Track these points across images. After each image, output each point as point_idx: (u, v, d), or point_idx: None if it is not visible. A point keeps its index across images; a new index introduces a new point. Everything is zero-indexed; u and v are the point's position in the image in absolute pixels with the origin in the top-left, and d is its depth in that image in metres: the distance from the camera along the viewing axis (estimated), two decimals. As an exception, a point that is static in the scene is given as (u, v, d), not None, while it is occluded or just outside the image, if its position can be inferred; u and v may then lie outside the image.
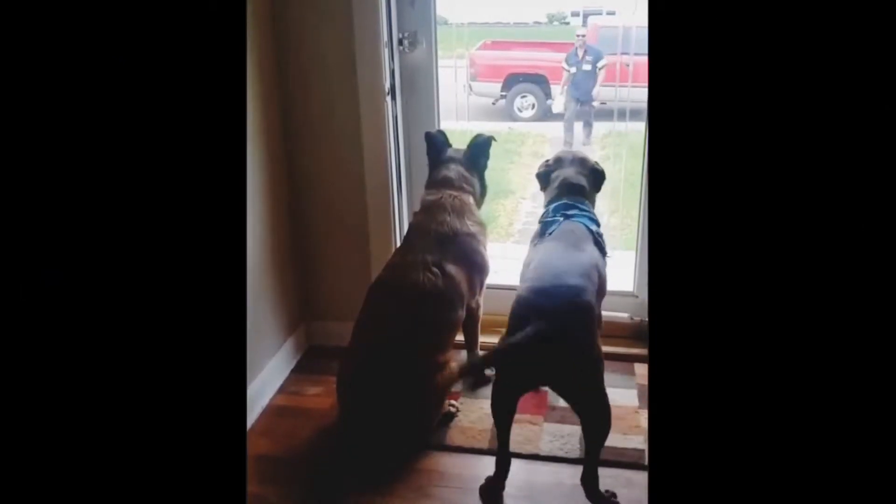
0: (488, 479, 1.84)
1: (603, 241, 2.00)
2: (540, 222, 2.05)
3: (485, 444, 1.99)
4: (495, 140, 2.28)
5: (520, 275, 1.88)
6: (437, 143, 2.22)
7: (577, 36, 5.60)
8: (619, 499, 1.78)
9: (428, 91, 2.36)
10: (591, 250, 1.90)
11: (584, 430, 1.74)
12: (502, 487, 1.81)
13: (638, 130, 3.67)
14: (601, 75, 5.39)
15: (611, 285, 2.60)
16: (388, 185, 2.36)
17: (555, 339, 1.59)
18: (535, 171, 2.22)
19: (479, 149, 2.22)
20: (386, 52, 2.20)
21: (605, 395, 1.69)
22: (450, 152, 2.22)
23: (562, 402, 2.13)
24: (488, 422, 2.07)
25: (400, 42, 2.26)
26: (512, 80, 6.15)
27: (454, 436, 2.03)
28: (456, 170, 2.16)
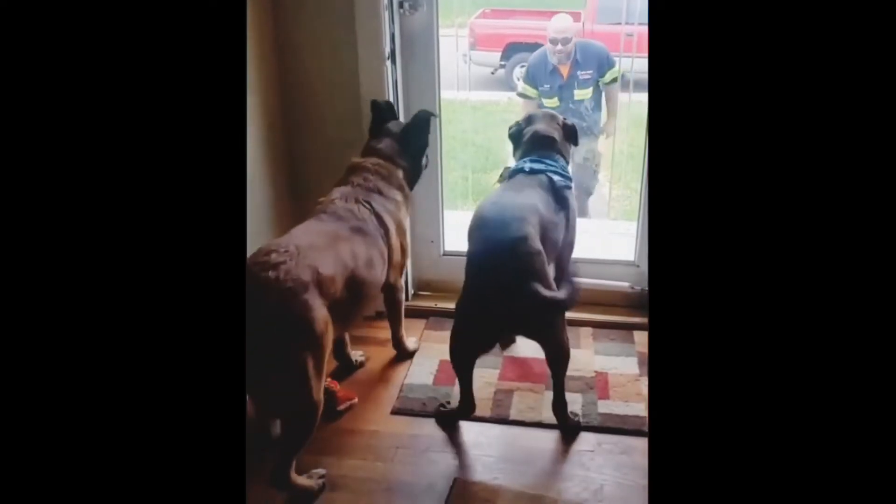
0: (449, 410, 1.99)
1: (568, 194, 2.02)
2: (503, 170, 2.10)
3: (486, 413, 1.99)
4: (435, 116, 2.18)
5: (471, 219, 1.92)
6: (380, 113, 2.13)
7: (553, 41, 3.36)
8: (620, 465, 1.79)
9: (428, 56, 2.32)
10: (544, 197, 1.93)
11: (547, 362, 1.86)
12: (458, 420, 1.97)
13: (640, 101, 3.64)
14: (611, 94, 3.51)
15: (611, 255, 2.63)
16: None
17: (505, 293, 1.67)
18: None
19: (418, 126, 2.11)
20: (386, 14, 2.16)
21: (559, 332, 1.80)
22: (390, 125, 2.12)
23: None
24: (485, 392, 2.08)
25: (400, 4, 2.22)
26: (511, 50, 6.06)
27: (453, 404, 2.03)
28: (388, 143, 2.07)
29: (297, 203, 2.36)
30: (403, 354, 2.27)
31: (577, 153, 3.45)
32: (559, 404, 1.89)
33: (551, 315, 1.76)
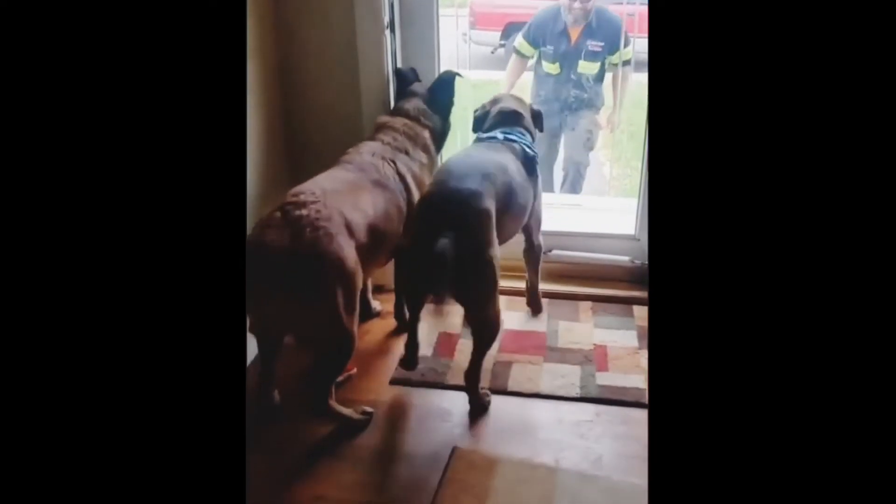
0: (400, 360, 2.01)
1: (537, 168, 2.06)
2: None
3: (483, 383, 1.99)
4: (461, 76, 2.21)
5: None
6: (405, 78, 2.20)
7: None
8: (618, 435, 1.78)
9: (428, 27, 2.29)
10: (514, 161, 1.95)
11: (471, 332, 1.82)
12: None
13: (640, 82, 3.60)
14: (620, 78, 3.24)
15: (612, 229, 2.61)
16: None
17: (446, 247, 1.60)
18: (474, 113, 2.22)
19: (443, 85, 2.17)
20: (385, -16, 2.14)
21: (491, 305, 1.75)
22: (414, 86, 2.18)
23: (558, 344, 2.16)
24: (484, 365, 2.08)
25: (399, -24, 2.20)
26: (512, 29, 5.99)
27: (452, 375, 2.03)
28: (415, 103, 2.13)
29: (294, 171, 2.35)
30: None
31: (578, 126, 3.42)
32: (471, 375, 1.84)
33: (477, 279, 1.69)
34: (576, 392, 1.94)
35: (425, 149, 2.08)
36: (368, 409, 1.86)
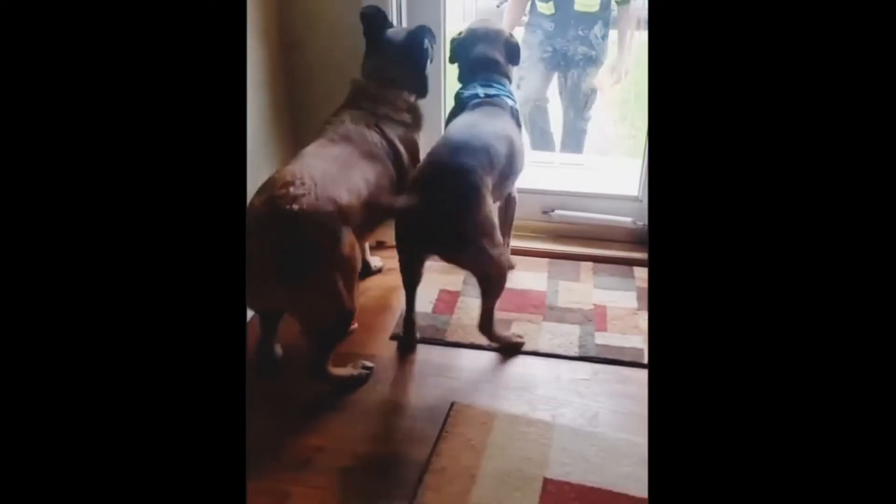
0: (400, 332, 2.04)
1: (518, 115, 2.04)
2: (456, 96, 2.07)
3: (478, 340, 2.01)
4: (430, 31, 2.03)
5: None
6: (371, 22, 2.01)
7: None
8: (615, 393, 1.81)
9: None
10: (513, 125, 1.97)
11: (479, 285, 1.86)
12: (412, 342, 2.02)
13: (645, 42, 3.52)
14: (624, 20, 3.08)
15: (614, 190, 2.60)
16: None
17: (438, 214, 1.68)
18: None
19: (414, 43, 1.99)
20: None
21: (492, 262, 1.78)
22: (388, 35, 2.01)
23: (558, 303, 2.18)
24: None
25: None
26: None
27: (451, 332, 2.05)
28: (389, 62, 1.99)
29: (297, 133, 2.33)
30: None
31: (584, 83, 3.31)
32: (484, 323, 1.92)
33: (477, 246, 1.74)
34: (574, 351, 1.96)
35: (408, 109, 2.01)
36: (369, 363, 1.88)
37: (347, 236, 1.64)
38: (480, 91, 2.00)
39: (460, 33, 2.13)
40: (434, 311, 2.15)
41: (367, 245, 2.29)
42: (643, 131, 2.57)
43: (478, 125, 1.89)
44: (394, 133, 1.93)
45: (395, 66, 2.00)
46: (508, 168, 1.92)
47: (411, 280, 1.94)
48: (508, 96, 2.03)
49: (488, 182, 1.77)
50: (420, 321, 2.07)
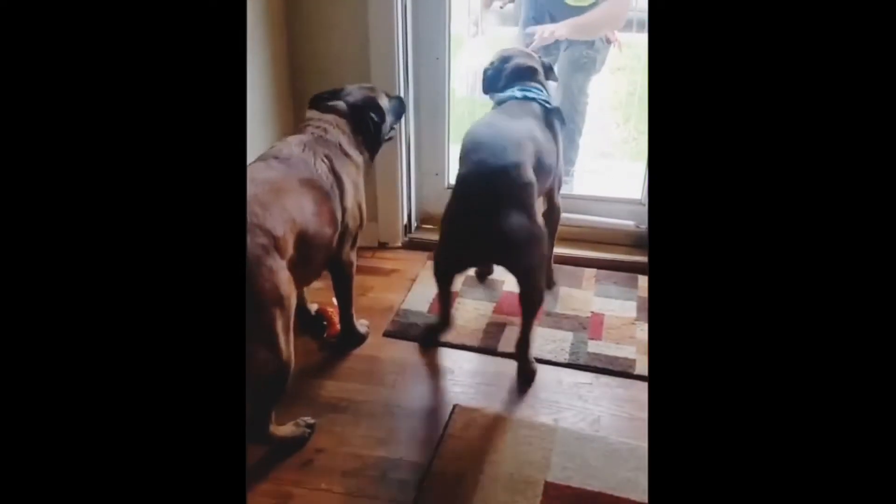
0: (429, 327, 2.04)
1: (558, 124, 2.01)
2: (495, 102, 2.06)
3: (475, 342, 2.03)
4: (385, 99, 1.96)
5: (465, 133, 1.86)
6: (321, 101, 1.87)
7: None
8: (616, 398, 1.81)
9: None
10: (539, 125, 1.92)
11: (519, 298, 1.81)
12: (437, 336, 2.02)
13: (646, 42, 3.51)
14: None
15: (618, 193, 2.60)
16: (394, 76, 2.27)
17: (489, 218, 1.63)
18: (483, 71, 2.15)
19: (367, 107, 1.88)
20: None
21: (536, 269, 1.76)
22: (345, 96, 1.88)
23: (556, 309, 2.18)
24: (478, 323, 2.11)
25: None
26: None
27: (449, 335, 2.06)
28: (344, 107, 1.85)
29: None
30: (353, 339, 2.01)
31: (586, 88, 3.28)
32: (523, 343, 1.86)
33: (530, 249, 1.70)
34: (564, 357, 1.96)
35: (360, 149, 1.83)
36: (310, 420, 1.70)
37: (283, 273, 1.45)
38: (518, 94, 1.98)
39: (492, 62, 2.13)
40: (430, 310, 2.16)
41: (305, 294, 2.04)
42: (646, 134, 2.57)
43: (499, 125, 1.85)
44: (343, 168, 1.73)
45: (349, 111, 1.86)
46: (539, 166, 1.83)
47: (446, 285, 1.91)
48: (541, 99, 1.99)
49: (533, 178, 1.73)
50: (414, 319, 2.08)
